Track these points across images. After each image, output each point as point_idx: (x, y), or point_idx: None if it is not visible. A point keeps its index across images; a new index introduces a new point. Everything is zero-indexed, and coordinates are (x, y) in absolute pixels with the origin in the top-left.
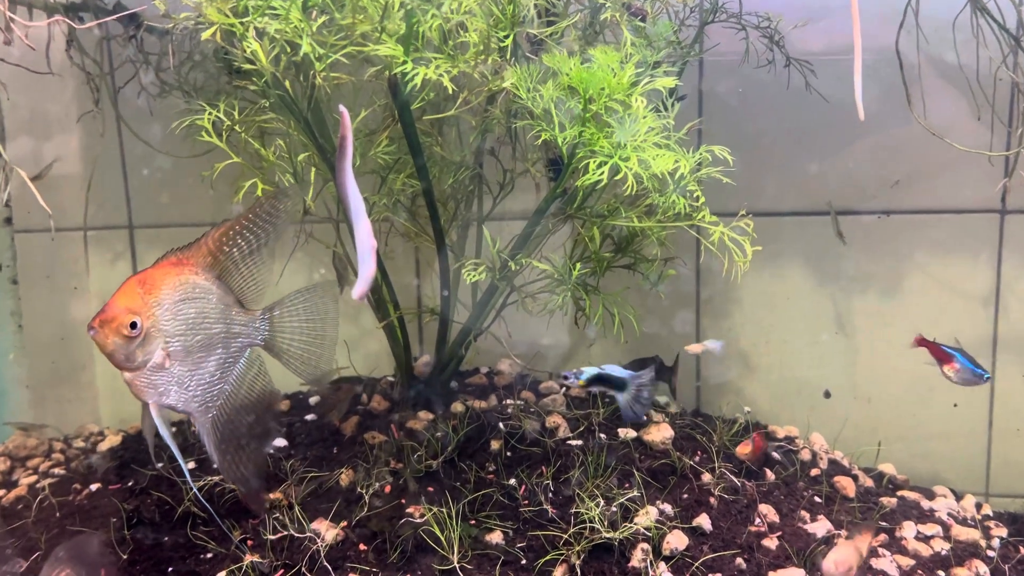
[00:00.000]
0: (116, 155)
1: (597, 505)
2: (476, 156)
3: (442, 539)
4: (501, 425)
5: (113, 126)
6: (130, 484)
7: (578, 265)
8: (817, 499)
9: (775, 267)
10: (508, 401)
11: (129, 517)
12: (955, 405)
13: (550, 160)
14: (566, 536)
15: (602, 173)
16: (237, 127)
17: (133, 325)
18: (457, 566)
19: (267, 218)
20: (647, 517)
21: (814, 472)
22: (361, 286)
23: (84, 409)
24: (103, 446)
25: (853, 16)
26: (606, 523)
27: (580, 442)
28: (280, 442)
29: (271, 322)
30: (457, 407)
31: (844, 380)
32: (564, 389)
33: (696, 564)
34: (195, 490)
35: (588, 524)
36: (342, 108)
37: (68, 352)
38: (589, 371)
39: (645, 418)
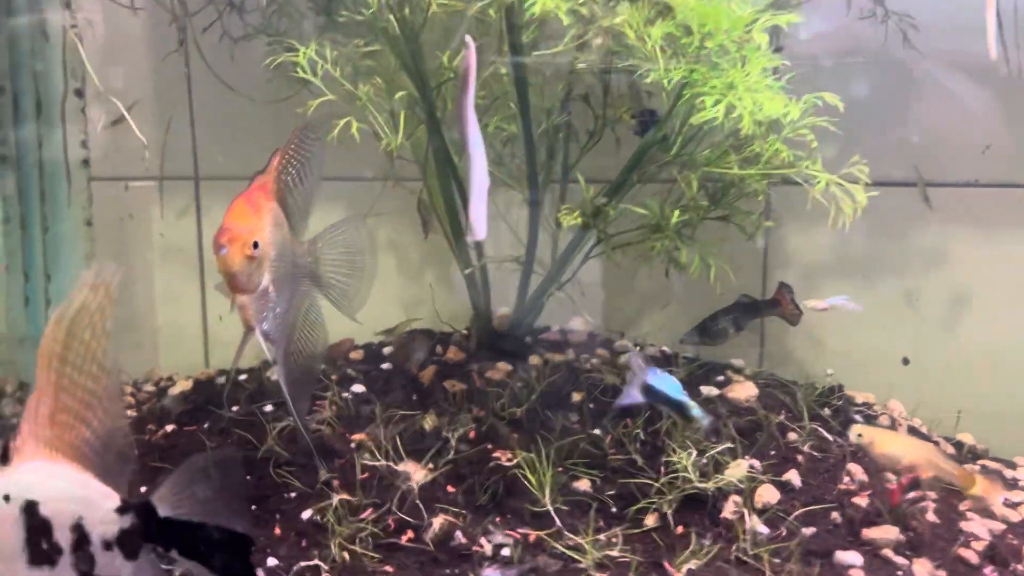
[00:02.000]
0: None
1: (688, 456)
2: (564, 103)
3: (532, 482)
4: (582, 378)
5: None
6: (206, 426)
7: (677, 212)
8: None
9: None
10: (585, 356)
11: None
12: None
13: (640, 112)
14: (657, 485)
15: (717, 111)
16: (330, 66)
17: (255, 245)
18: (551, 508)
19: (306, 147)
20: (738, 469)
21: None
22: (478, 228)
23: (146, 357)
24: (174, 391)
25: None
26: (697, 474)
27: None
28: (358, 388)
29: (315, 254)
30: (535, 360)
31: (922, 348)
32: (639, 349)
33: (789, 518)
34: (298, 422)
35: (680, 474)
36: (468, 39)
37: (135, 299)
38: (658, 379)
39: (729, 375)
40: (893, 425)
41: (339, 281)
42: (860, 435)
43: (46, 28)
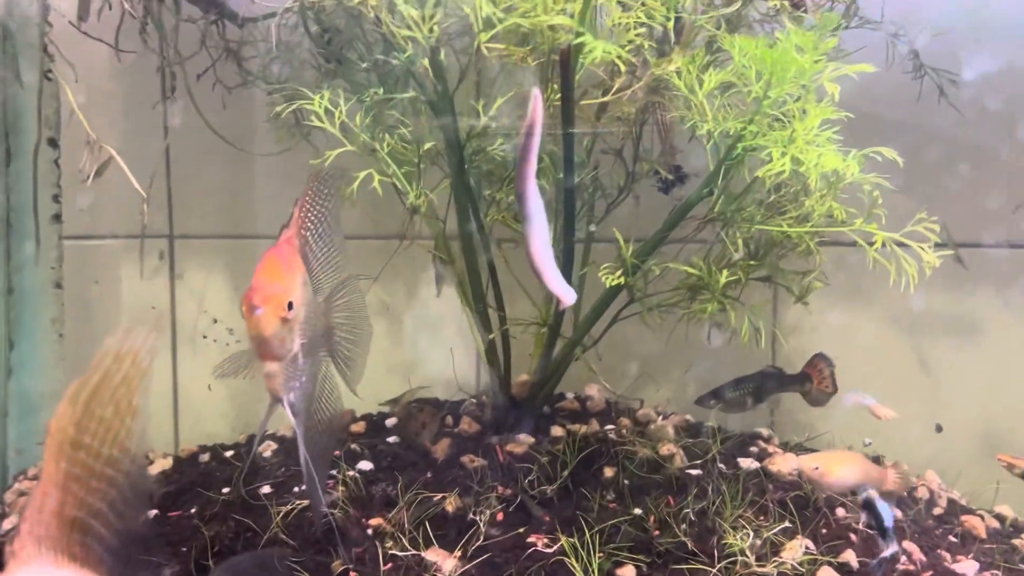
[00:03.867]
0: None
1: (744, 538)
2: (589, 155)
3: (577, 570)
4: (613, 451)
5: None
6: (193, 511)
7: (725, 272)
8: (952, 538)
9: (870, 297)
10: (609, 427)
11: (209, 544)
12: None
13: (674, 168)
14: (714, 571)
15: (783, 164)
16: (346, 116)
17: (290, 306)
18: None
19: (323, 198)
20: (796, 551)
21: (937, 511)
22: (566, 295)
23: None
24: (153, 470)
25: None
26: (754, 557)
27: (700, 471)
28: (365, 464)
29: (330, 316)
30: (557, 431)
31: (957, 415)
32: (662, 418)
33: None
34: (318, 505)
35: (737, 558)
36: (535, 91)
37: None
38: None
39: (761, 446)
40: (933, 498)
41: (345, 348)
42: (817, 467)
43: (20, 72)
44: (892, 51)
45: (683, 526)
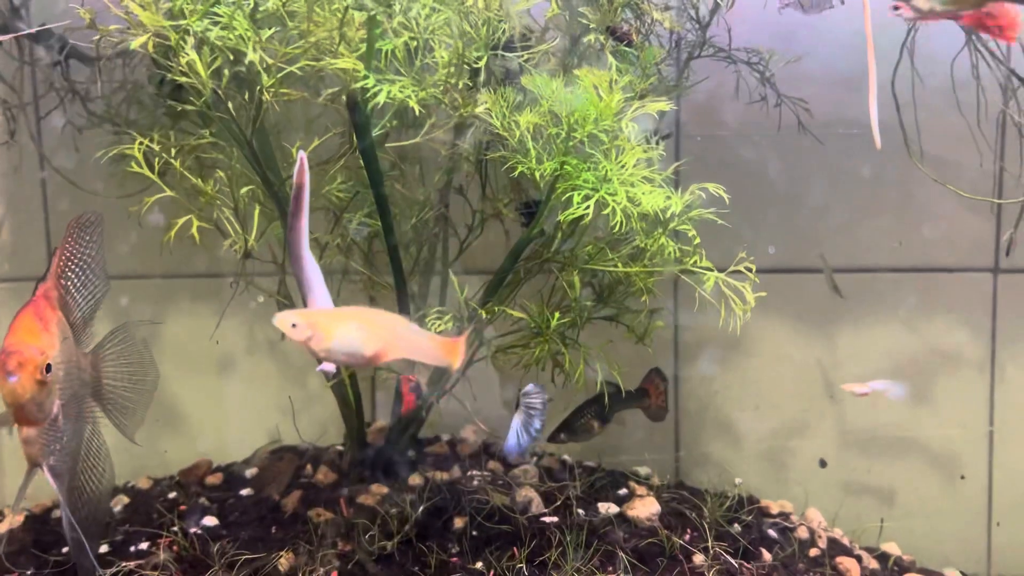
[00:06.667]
0: (35, 196)
1: None
2: (441, 195)
3: None
4: (465, 500)
5: (28, 163)
6: (29, 573)
7: (557, 315)
8: None
9: (762, 325)
10: (473, 472)
11: None
12: (962, 477)
13: (524, 203)
14: None
15: (587, 208)
16: (171, 159)
17: (48, 368)
18: None
19: (84, 244)
20: None
21: (813, 552)
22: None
23: None
24: (1, 528)
25: (867, 35)
26: None
27: (556, 518)
28: (210, 520)
29: (98, 368)
30: (415, 479)
31: (839, 449)
32: (536, 460)
33: None
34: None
35: None
36: (301, 153)
37: None
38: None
39: (631, 487)
40: (812, 538)
41: (121, 397)
42: (294, 325)
43: None
44: (739, 80)
45: None
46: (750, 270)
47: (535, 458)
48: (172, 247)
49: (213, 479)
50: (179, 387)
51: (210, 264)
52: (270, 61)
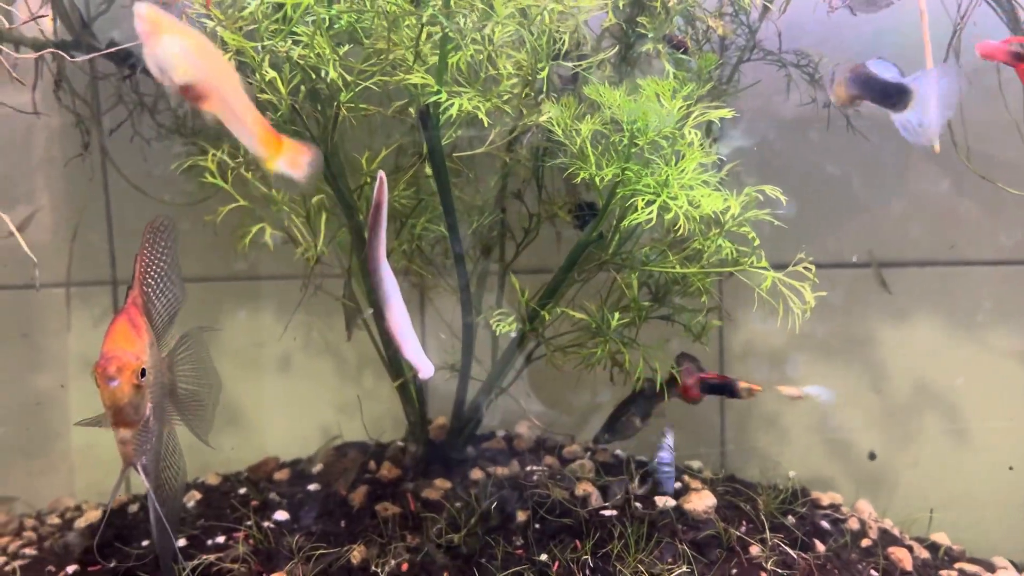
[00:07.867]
0: (101, 205)
1: None
2: (498, 200)
3: None
4: (526, 494)
5: (99, 174)
6: (112, 565)
7: (617, 314)
8: (874, 572)
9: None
10: (531, 467)
11: None
12: (1010, 468)
13: (577, 205)
14: None
15: (651, 212)
16: (243, 169)
17: (143, 372)
18: None
19: (160, 250)
20: None
21: (865, 543)
22: (423, 368)
23: (58, 482)
24: (80, 523)
25: (924, 40)
26: None
27: (614, 512)
28: (281, 515)
29: (174, 370)
30: (476, 474)
31: (890, 442)
32: (590, 454)
33: None
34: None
35: None
36: (381, 173)
37: (42, 418)
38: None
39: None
40: (864, 529)
41: (192, 399)
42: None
43: None
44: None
45: (587, 572)
46: (809, 269)
47: (588, 453)
48: (224, 250)
49: (280, 475)
50: (236, 387)
51: (267, 267)
52: (349, 78)
